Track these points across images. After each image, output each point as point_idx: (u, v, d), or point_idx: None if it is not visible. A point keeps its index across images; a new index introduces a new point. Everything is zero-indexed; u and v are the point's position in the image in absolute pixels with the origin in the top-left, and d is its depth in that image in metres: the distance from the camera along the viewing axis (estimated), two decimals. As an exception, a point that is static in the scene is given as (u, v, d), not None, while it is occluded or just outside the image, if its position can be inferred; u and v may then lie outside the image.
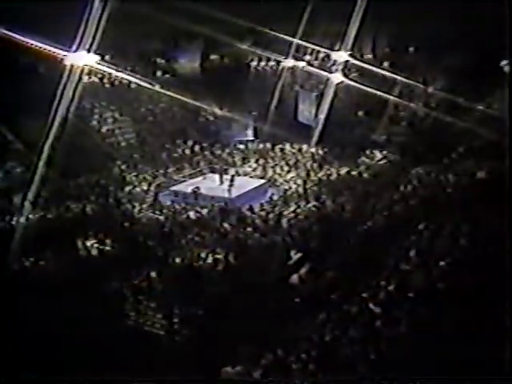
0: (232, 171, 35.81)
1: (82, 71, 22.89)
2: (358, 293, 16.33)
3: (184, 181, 35.58)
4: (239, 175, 36.14)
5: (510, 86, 29.13)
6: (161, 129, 43.17)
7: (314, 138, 39.37)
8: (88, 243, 24.01)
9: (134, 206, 30.12)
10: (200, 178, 35.82)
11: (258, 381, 13.73)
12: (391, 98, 38.11)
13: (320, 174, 34.36)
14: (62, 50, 22.90)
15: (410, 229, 19.93)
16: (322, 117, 39.28)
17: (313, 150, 39.06)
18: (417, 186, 26.79)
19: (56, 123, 24.99)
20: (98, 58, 25.14)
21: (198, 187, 32.74)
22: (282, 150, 40.37)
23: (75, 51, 22.63)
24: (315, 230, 24.41)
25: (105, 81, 43.28)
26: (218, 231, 25.76)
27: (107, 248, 23.89)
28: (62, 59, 23.06)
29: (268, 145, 41.40)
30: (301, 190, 32.09)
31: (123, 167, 37.15)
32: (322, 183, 32.73)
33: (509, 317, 12.56)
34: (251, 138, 42.92)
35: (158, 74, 46.10)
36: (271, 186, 34.98)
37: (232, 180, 33.67)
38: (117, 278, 20.37)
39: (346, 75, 40.36)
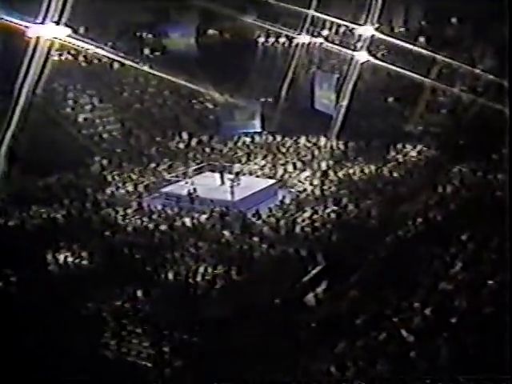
0: (235, 169, 35.71)
1: (51, 46, 22.71)
2: (388, 317, 16.19)
3: (178, 181, 35.51)
4: (244, 174, 35.98)
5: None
6: (149, 118, 43.13)
7: (334, 130, 39.18)
8: (60, 256, 23.96)
9: (116, 212, 30.01)
10: (197, 178, 35.71)
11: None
12: (428, 80, 37.90)
13: (341, 173, 34.24)
14: (23, 20, 22.71)
15: (450, 240, 19.76)
16: (343, 104, 39.10)
17: (332, 143, 38.90)
18: (459, 187, 26.62)
19: (18, 109, 24.77)
20: (68, 30, 24.97)
21: (194, 188, 32.69)
22: (295, 143, 40.27)
23: (41, 22, 22.42)
24: (335, 241, 24.43)
25: (80, 59, 43.33)
26: (218, 241, 25.73)
27: (84, 262, 23.81)
28: (24, 32, 22.86)
29: (278, 138, 41.28)
30: (318, 191, 32.02)
31: (104, 164, 37.07)
32: (343, 184, 32.61)
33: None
34: (258, 130, 42.78)
35: (146, 51, 46.14)
36: (282, 187, 34.91)
37: (235, 180, 33.53)
38: (95, 298, 20.30)
39: (372, 53, 40.18)
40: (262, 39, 47.76)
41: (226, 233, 26.63)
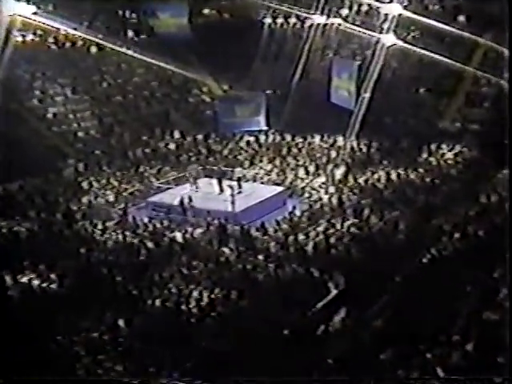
0: (236, 175, 35.83)
1: (11, 26, 22.73)
2: (420, 352, 16.01)
3: (168, 188, 35.55)
4: (246, 180, 36.15)
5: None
6: (134, 113, 43.16)
7: (355, 128, 39.09)
8: (23, 279, 23.85)
9: (94, 225, 29.98)
10: (191, 185, 35.70)
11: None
12: (468, 68, 37.76)
13: (362, 179, 34.28)
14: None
15: (495, 260, 19.59)
16: (366, 96, 38.98)
17: (352, 144, 38.90)
18: (505, 195, 26.47)
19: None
20: (33, 8, 25.10)
21: (189, 197, 32.69)
22: (307, 144, 40.30)
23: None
24: (355, 259, 24.32)
25: (50, 41, 43.29)
26: (215, 260, 25.63)
27: (52, 286, 23.61)
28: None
29: (288, 137, 41.29)
30: (334, 201, 31.93)
31: (79, 168, 37.03)
32: (365, 192, 32.63)
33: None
34: (264, 128, 42.68)
35: (130, 33, 46.15)
36: (292, 195, 35.01)
37: (236, 187, 33.64)
38: (67, 329, 20.14)
39: (400, 36, 40.03)
40: (268, 20, 47.63)
41: (226, 250, 26.55)
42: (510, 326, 14.27)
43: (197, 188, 34.74)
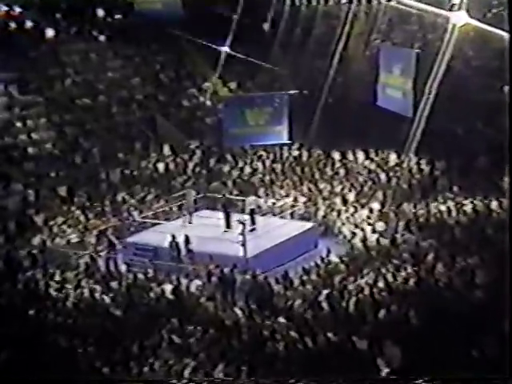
0: (249, 205, 35.68)
1: None
2: None
3: (154, 224, 35.63)
4: (263, 214, 36.18)
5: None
6: (108, 121, 43.17)
7: (413, 141, 38.99)
8: None
9: (50, 276, 29.81)
10: (185, 219, 35.73)
11: None
12: None
13: (422, 211, 34.10)
14: None
15: None
16: (429, 97, 38.86)
17: (410, 163, 38.89)
18: None
19: None
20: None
21: (186, 237, 32.61)
22: (346, 163, 40.23)
23: None
24: (415, 326, 24.01)
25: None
26: (219, 324, 25.35)
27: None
28: None
29: (319, 154, 41.19)
30: (385, 242, 31.78)
31: (29, 196, 36.94)
32: (427, 230, 32.39)
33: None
34: (285, 141, 42.57)
35: (100, 12, 46.25)
36: (326, 234, 34.95)
37: (248, 223, 33.50)
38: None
39: (477, 14, 39.90)
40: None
41: (236, 309, 26.42)
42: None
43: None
